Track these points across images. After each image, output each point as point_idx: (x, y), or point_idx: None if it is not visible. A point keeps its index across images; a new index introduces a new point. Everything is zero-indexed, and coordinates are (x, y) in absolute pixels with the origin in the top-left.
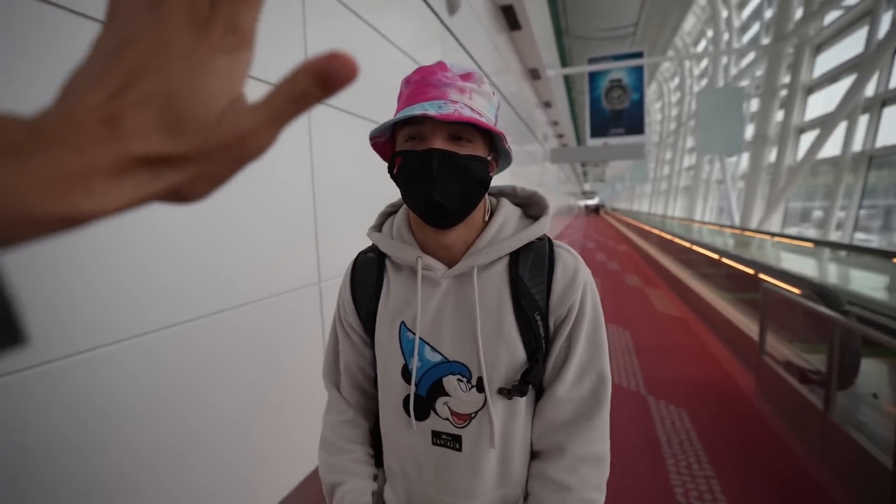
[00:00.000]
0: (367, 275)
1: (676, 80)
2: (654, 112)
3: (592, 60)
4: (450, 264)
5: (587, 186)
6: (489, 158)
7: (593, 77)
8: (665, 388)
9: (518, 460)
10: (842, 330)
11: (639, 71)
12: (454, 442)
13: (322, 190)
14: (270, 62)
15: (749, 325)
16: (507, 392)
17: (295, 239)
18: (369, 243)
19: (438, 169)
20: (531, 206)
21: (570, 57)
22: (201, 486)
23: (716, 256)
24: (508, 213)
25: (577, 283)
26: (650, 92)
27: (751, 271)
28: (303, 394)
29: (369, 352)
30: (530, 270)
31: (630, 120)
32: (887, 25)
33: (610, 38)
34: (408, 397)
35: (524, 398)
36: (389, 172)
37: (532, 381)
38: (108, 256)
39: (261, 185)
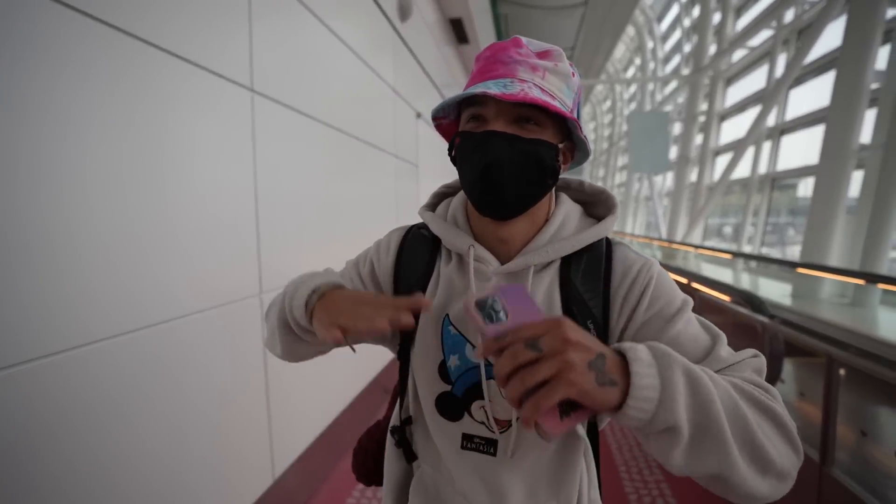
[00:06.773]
0: (418, 254)
1: (608, 103)
2: (588, 131)
3: None
4: (504, 260)
5: None
6: (559, 146)
7: None
8: None
9: (545, 479)
10: (770, 333)
11: None
12: (487, 446)
13: (266, 193)
14: (210, 46)
15: None
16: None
17: (235, 247)
18: (313, 250)
19: (496, 153)
20: (596, 205)
21: None
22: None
23: None
24: (568, 210)
25: (638, 283)
26: (585, 112)
27: (684, 280)
28: (239, 411)
29: None
30: (583, 275)
31: None
32: (783, 65)
33: None
34: (441, 395)
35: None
36: (449, 154)
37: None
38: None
39: (198, 187)
